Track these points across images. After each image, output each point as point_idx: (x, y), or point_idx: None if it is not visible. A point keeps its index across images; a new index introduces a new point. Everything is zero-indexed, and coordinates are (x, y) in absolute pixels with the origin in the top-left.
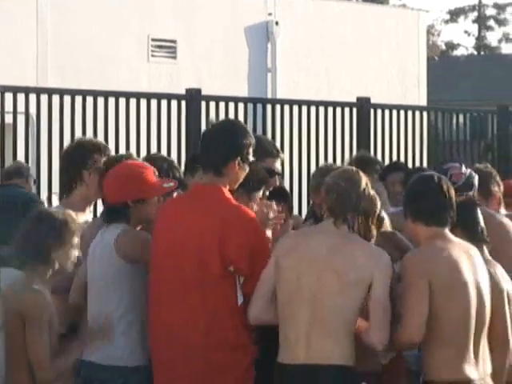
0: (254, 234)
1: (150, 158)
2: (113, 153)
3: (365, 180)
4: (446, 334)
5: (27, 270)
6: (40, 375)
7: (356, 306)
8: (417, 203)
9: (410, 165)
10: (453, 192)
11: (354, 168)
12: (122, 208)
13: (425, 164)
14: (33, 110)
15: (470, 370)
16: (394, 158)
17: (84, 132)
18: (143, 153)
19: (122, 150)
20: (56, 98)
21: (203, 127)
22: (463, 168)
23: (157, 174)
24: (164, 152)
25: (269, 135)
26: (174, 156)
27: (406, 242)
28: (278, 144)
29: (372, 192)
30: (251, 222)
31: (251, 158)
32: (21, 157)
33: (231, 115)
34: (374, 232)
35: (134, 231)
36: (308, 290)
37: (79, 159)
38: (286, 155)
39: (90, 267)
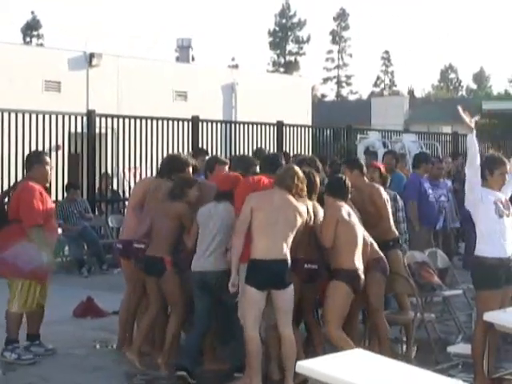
0: None
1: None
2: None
3: (293, 167)
4: None
5: None
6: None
7: (295, 226)
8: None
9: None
10: None
11: (290, 165)
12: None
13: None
14: (115, 126)
15: None
16: (296, 151)
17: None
18: (170, 149)
19: (159, 148)
20: (126, 121)
21: (200, 137)
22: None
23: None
24: (180, 149)
25: (233, 138)
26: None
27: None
28: (237, 142)
29: (295, 174)
30: None
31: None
32: None
33: (214, 130)
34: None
35: None
36: (272, 219)
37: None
38: (241, 148)
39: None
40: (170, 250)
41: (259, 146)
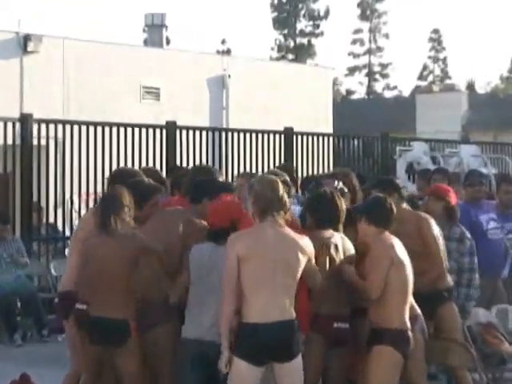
0: None
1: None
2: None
3: (282, 186)
4: None
5: None
6: None
7: (298, 270)
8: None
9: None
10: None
11: (274, 178)
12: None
13: None
14: (61, 135)
15: None
16: (310, 170)
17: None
18: (137, 165)
19: (121, 164)
20: (76, 128)
21: (178, 149)
22: (335, 182)
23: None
24: (151, 165)
25: (223, 152)
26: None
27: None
28: (229, 158)
29: (285, 195)
30: None
31: None
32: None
33: (197, 140)
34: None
35: None
36: (268, 268)
37: None
38: (235, 166)
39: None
40: (132, 308)
41: (260, 161)
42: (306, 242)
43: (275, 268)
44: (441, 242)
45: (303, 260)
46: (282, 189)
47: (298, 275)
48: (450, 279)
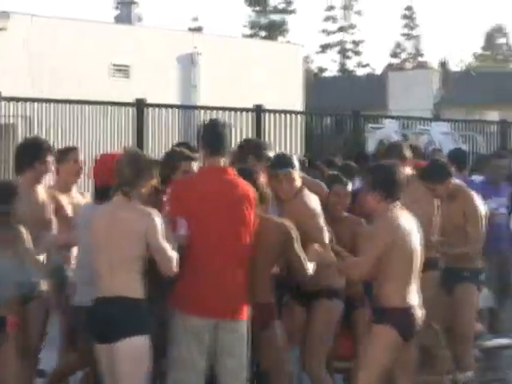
0: None
1: None
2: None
3: (142, 159)
4: None
5: None
6: None
7: (139, 251)
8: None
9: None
10: None
11: (134, 151)
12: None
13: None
14: (30, 114)
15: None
16: (282, 148)
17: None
18: (107, 143)
19: (91, 143)
20: (45, 106)
21: (145, 126)
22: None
23: None
24: (121, 143)
25: (193, 130)
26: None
27: None
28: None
29: (142, 168)
30: None
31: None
32: None
33: (166, 117)
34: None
35: None
36: (103, 245)
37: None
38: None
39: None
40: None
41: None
42: (147, 219)
43: (109, 245)
44: None
45: (137, 237)
46: (135, 162)
47: (136, 252)
48: None
